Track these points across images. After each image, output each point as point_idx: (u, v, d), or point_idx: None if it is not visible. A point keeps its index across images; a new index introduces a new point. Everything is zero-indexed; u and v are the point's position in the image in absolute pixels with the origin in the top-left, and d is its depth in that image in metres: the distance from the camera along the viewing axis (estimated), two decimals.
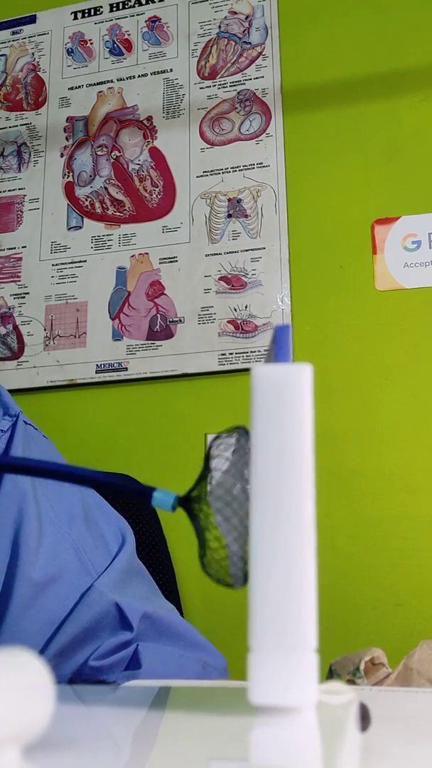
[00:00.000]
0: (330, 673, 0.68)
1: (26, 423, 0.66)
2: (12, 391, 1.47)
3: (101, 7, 1.67)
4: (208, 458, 0.23)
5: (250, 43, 1.55)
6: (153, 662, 0.55)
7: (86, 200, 1.56)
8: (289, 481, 0.19)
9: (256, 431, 0.20)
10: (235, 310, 1.42)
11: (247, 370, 1.39)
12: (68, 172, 1.59)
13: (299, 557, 0.18)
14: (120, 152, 1.57)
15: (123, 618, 0.57)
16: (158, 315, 1.46)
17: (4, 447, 0.62)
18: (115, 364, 1.45)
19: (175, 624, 0.60)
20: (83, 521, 0.62)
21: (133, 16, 1.64)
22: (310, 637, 0.18)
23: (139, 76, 1.61)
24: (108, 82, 1.62)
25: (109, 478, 0.25)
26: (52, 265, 1.55)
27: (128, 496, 0.24)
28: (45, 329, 1.51)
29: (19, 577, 0.55)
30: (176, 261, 1.48)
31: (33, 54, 1.69)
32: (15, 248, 1.58)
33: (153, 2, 1.63)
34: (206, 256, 1.46)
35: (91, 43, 1.66)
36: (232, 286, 1.43)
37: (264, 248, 1.43)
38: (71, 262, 1.54)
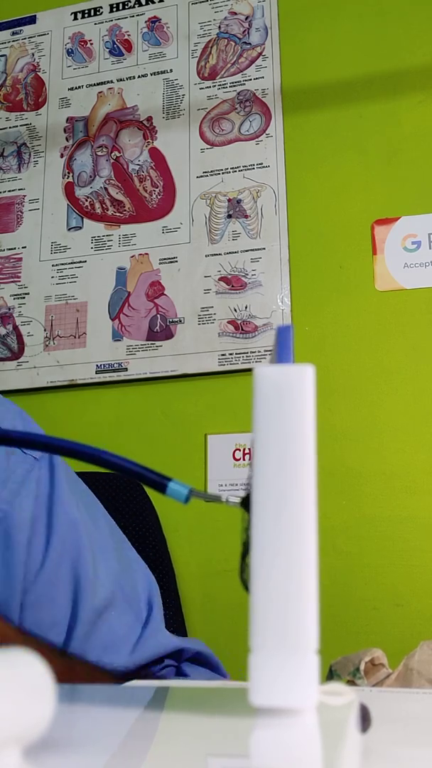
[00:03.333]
0: (330, 673, 0.68)
1: None
2: (12, 392, 1.48)
3: (101, 7, 1.67)
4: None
5: (250, 43, 1.55)
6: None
7: (86, 201, 1.56)
8: (291, 483, 0.19)
9: (257, 433, 0.19)
10: (235, 310, 1.42)
11: (247, 370, 1.39)
12: (68, 173, 1.59)
13: (300, 558, 0.18)
14: (120, 153, 1.57)
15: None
16: (158, 315, 1.46)
17: None
18: (115, 365, 1.45)
19: (211, 658, 0.63)
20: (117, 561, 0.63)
21: (133, 16, 1.64)
22: (311, 638, 0.18)
23: (139, 77, 1.61)
24: (108, 82, 1.62)
25: (129, 463, 0.25)
26: (52, 265, 1.55)
27: (145, 483, 0.25)
28: (45, 329, 1.51)
29: (82, 606, 0.57)
30: (176, 261, 1.48)
31: (33, 54, 1.69)
32: (15, 248, 1.58)
33: (153, 3, 1.63)
34: (206, 256, 1.46)
35: (91, 44, 1.66)
36: (232, 286, 1.43)
37: (264, 248, 1.43)
38: (71, 263, 1.54)
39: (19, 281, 1.56)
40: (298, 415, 0.19)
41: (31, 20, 1.71)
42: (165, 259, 1.48)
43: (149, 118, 1.57)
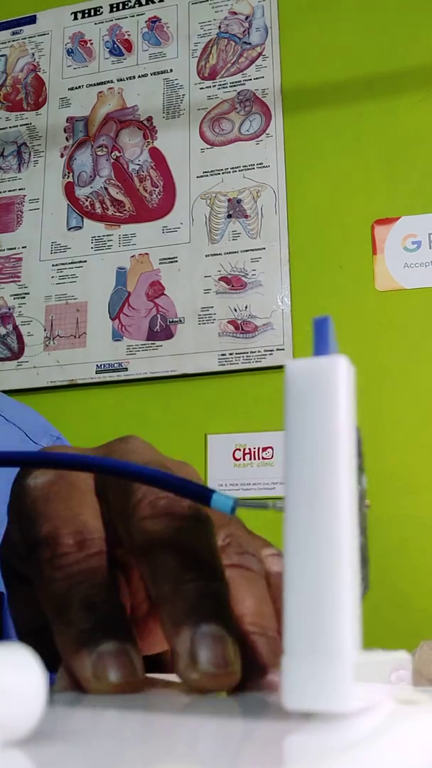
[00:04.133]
0: None
1: None
2: (12, 391, 1.48)
3: (101, 7, 1.67)
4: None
5: (250, 43, 1.55)
6: None
7: (86, 200, 1.56)
8: (321, 481, 0.18)
9: (288, 431, 0.19)
10: (235, 310, 1.42)
11: (247, 370, 1.39)
12: (68, 173, 1.59)
13: (331, 560, 0.17)
14: (120, 152, 1.57)
15: None
16: (158, 315, 1.46)
17: None
18: (115, 365, 1.45)
19: None
20: None
21: (133, 16, 1.64)
22: (343, 639, 0.17)
23: (139, 77, 1.61)
24: (108, 82, 1.62)
25: (167, 476, 0.25)
26: (52, 265, 1.55)
27: (187, 495, 0.24)
28: (45, 329, 1.51)
29: None
30: (176, 261, 1.48)
31: (33, 54, 1.69)
32: (15, 248, 1.58)
33: (153, 2, 1.63)
34: (206, 256, 1.46)
35: (91, 44, 1.66)
36: (232, 286, 1.43)
37: (264, 248, 1.43)
38: (71, 263, 1.54)
39: (19, 281, 1.56)
40: (327, 410, 0.19)
41: (31, 20, 1.71)
42: (165, 259, 1.48)
43: (149, 118, 1.57)
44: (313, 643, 0.17)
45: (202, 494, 0.23)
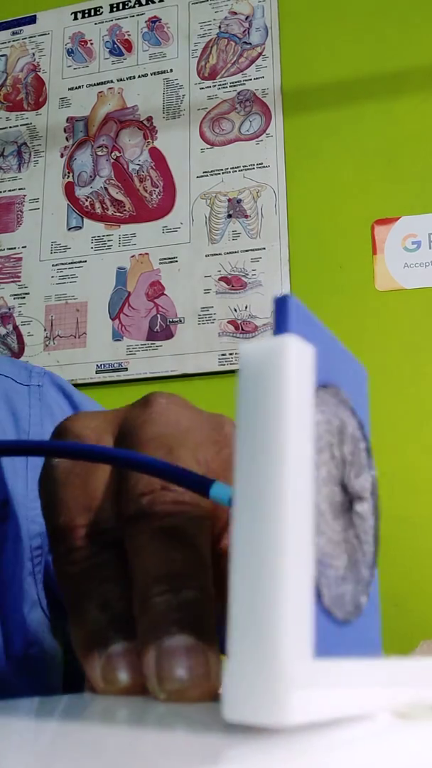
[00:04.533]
0: None
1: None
2: None
3: (101, 7, 1.67)
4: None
5: (250, 43, 1.55)
6: None
7: (86, 200, 1.56)
8: (264, 473, 0.16)
9: (237, 418, 0.17)
10: (235, 310, 1.42)
11: None
12: (68, 173, 1.59)
13: (272, 556, 0.16)
14: (120, 152, 1.57)
15: None
16: (158, 315, 1.46)
17: None
18: (115, 365, 1.45)
19: None
20: None
21: (133, 16, 1.64)
22: (283, 644, 0.15)
23: (139, 77, 1.61)
24: (108, 82, 1.62)
25: (162, 465, 0.23)
26: (52, 265, 1.55)
27: (184, 485, 0.23)
28: (45, 329, 1.51)
29: None
30: (176, 261, 1.48)
31: (33, 54, 1.69)
32: (15, 248, 1.58)
33: (153, 2, 1.63)
34: (206, 256, 1.46)
35: (91, 44, 1.66)
36: (232, 286, 1.43)
37: (264, 248, 1.43)
38: (71, 263, 1.54)
39: (19, 281, 1.56)
40: (272, 395, 0.16)
41: (31, 20, 1.71)
42: (165, 259, 1.48)
43: (149, 118, 1.57)
44: (253, 647, 0.15)
45: (201, 484, 0.22)
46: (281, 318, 0.18)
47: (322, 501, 0.19)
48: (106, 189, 1.56)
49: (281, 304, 0.18)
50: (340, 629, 0.19)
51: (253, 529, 0.16)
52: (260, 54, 1.54)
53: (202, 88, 1.55)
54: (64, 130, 1.62)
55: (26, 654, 0.46)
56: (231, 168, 1.49)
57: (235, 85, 1.53)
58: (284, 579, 0.15)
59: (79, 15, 1.68)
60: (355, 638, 0.20)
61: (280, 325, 0.18)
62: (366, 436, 0.24)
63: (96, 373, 1.46)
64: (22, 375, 0.55)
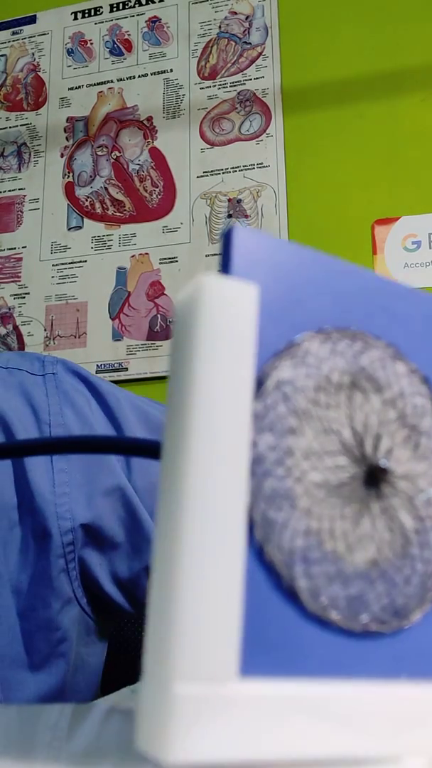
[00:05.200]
0: None
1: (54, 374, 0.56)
2: None
3: (101, 7, 1.67)
4: None
5: (250, 43, 1.55)
6: None
7: (86, 200, 1.56)
8: (175, 446, 0.13)
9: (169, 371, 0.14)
10: None
11: None
12: (68, 173, 1.59)
13: (173, 560, 0.13)
14: (120, 152, 1.57)
15: None
16: (158, 315, 1.46)
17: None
18: (116, 365, 1.45)
19: None
20: None
21: (133, 16, 1.64)
22: (173, 668, 0.12)
23: (139, 77, 1.61)
24: (108, 82, 1.62)
25: (115, 439, 0.22)
26: (52, 265, 1.55)
27: (140, 454, 0.22)
28: (45, 329, 1.51)
29: None
30: (176, 261, 1.48)
31: (33, 54, 1.69)
32: (15, 248, 1.58)
33: (153, 2, 1.63)
34: (206, 256, 1.46)
35: (91, 44, 1.66)
36: None
37: None
38: (71, 263, 1.54)
39: (19, 281, 1.56)
40: (184, 350, 0.14)
41: (31, 20, 1.71)
42: (165, 258, 1.48)
43: (149, 118, 1.57)
44: (155, 668, 0.12)
45: (158, 449, 0.19)
46: (225, 257, 0.15)
47: (312, 476, 0.15)
48: (106, 189, 1.56)
49: (225, 240, 0.15)
50: (352, 641, 0.15)
51: (163, 518, 0.13)
52: (260, 54, 1.54)
53: (202, 88, 1.56)
54: (64, 130, 1.62)
55: (52, 652, 0.45)
56: (231, 168, 1.49)
57: (235, 85, 1.54)
58: (180, 581, 0.12)
59: (79, 15, 1.68)
60: (400, 655, 0.15)
61: (224, 265, 0.15)
62: None
63: (96, 373, 1.46)
64: (35, 366, 0.54)
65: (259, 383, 0.15)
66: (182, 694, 0.11)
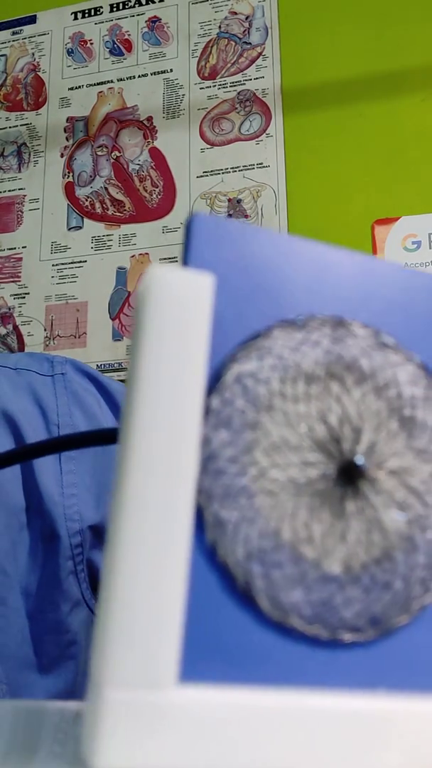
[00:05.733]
0: None
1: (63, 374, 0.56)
2: None
3: (101, 7, 1.67)
4: None
5: (250, 43, 1.55)
6: None
7: (86, 200, 1.56)
8: (128, 439, 0.13)
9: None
10: None
11: None
12: (68, 173, 1.59)
13: (115, 562, 0.12)
14: (120, 152, 1.57)
15: None
16: None
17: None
18: (116, 365, 1.45)
19: None
20: None
21: (133, 16, 1.64)
22: (104, 674, 0.11)
23: (139, 77, 1.61)
24: (108, 82, 1.62)
25: (72, 436, 0.22)
26: (52, 265, 1.54)
27: (103, 442, 0.22)
28: (45, 329, 1.51)
29: None
30: (176, 261, 1.47)
31: (33, 54, 1.69)
32: (15, 248, 1.58)
33: (153, 2, 1.63)
34: None
35: (91, 44, 1.66)
36: None
37: None
38: (71, 263, 1.53)
39: (19, 281, 1.55)
40: (140, 336, 0.13)
41: (31, 20, 1.71)
42: (165, 259, 1.48)
43: (149, 118, 1.57)
44: (93, 674, 0.12)
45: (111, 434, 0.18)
46: (186, 245, 0.15)
47: (273, 473, 0.14)
48: (106, 189, 1.56)
49: (186, 229, 0.15)
50: (318, 650, 0.14)
51: (109, 518, 0.13)
52: (260, 54, 1.54)
53: (202, 88, 1.55)
54: (64, 130, 1.62)
55: (62, 654, 0.45)
56: (231, 168, 1.49)
57: (235, 85, 1.53)
58: (115, 584, 0.12)
59: (79, 15, 1.68)
60: (379, 666, 0.14)
61: (183, 254, 0.15)
62: None
63: None
64: (44, 367, 0.54)
65: (218, 377, 0.14)
66: (113, 700, 0.11)
